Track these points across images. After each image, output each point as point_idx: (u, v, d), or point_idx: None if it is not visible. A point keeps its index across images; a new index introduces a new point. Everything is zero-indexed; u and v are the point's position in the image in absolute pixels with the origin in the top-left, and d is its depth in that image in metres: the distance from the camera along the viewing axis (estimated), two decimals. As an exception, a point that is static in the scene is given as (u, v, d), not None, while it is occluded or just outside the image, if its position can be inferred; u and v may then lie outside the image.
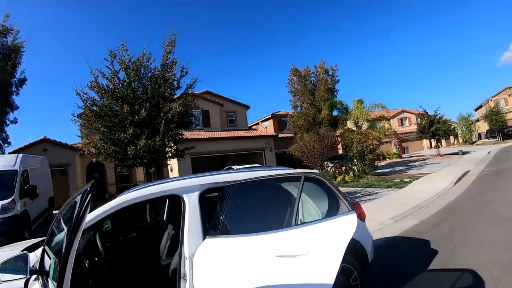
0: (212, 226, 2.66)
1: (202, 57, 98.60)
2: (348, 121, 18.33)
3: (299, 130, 21.93)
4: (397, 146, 34.40)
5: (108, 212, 2.59)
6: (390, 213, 7.41)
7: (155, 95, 8.72)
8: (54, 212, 13.77)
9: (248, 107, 27.42)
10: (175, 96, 9.68)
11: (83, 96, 8.54)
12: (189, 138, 18.77)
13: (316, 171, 2.74)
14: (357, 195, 11.23)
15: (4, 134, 16.06)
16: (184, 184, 2.84)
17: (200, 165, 21.36)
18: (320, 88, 21.52)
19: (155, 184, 2.94)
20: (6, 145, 16.47)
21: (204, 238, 2.58)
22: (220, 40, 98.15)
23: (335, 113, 21.01)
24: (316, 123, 21.20)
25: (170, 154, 9.77)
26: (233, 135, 21.19)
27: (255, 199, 3.00)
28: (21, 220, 8.33)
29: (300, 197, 2.62)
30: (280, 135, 26.09)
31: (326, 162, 19.09)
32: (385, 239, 5.65)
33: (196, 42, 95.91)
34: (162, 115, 8.69)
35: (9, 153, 16.57)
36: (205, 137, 19.94)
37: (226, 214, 2.61)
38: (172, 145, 9.69)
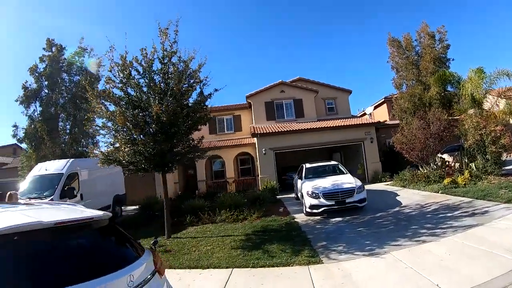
0: None
1: (299, 45, 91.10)
2: (463, 99, 13.60)
3: (405, 115, 18.06)
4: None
5: None
6: (469, 273, 4.19)
7: (161, 92, 8.12)
8: (128, 208, 15.09)
9: (350, 92, 23.90)
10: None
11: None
12: (269, 132, 18.20)
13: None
14: (454, 213, 7.75)
15: (95, 139, 19.17)
16: None
17: (291, 161, 20.12)
18: (424, 58, 16.95)
19: None
20: (97, 149, 19.82)
21: None
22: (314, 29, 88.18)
23: (449, 89, 16.14)
24: (424, 105, 16.92)
25: (178, 158, 8.95)
26: (320, 126, 18.67)
27: None
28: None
29: None
30: (392, 122, 22.15)
31: (440, 156, 14.92)
32: None
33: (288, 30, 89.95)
34: (146, 116, 8.03)
35: None
36: (283, 129, 18.37)
37: None
38: (181, 147, 8.95)
